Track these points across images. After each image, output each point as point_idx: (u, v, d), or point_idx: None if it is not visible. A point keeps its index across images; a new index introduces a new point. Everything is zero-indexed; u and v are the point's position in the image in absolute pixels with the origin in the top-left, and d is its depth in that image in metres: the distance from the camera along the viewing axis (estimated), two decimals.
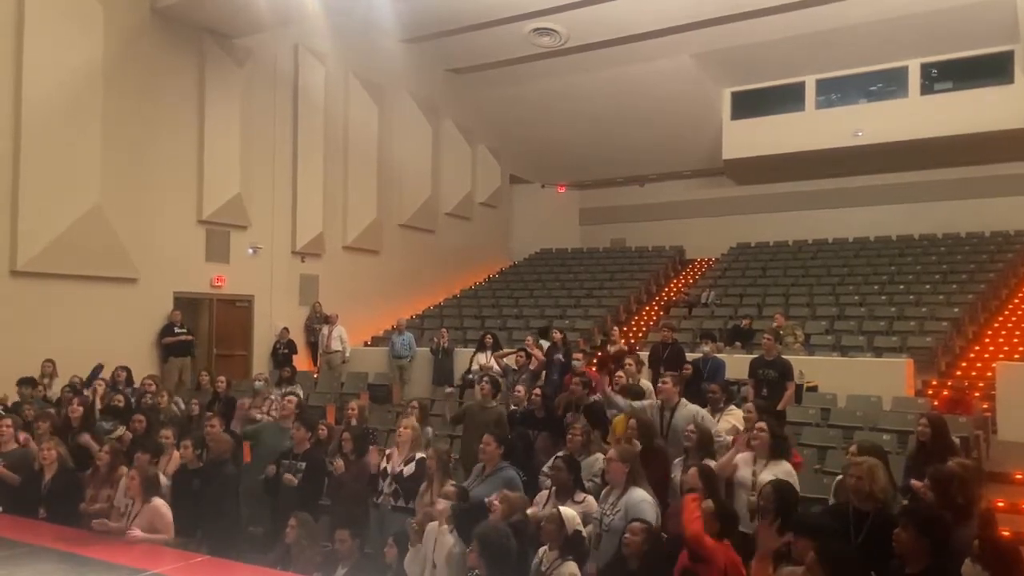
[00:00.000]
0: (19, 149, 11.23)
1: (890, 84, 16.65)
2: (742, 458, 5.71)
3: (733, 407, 7.57)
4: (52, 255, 11.47)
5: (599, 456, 5.96)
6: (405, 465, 6.29)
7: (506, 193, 21.54)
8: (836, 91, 17.27)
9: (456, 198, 19.52)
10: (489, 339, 11.73)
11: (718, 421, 7.27)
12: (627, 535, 4.52)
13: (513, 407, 8.11)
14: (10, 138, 11.20)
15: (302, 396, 10.95)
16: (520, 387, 8.37)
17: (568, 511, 4.71)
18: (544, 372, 10.41)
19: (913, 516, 3.94)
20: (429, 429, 7.69)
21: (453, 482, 5.67)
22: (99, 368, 9.78)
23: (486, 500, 4.69)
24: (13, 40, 11.21)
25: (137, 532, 5.54)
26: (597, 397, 7.69)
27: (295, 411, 7.41)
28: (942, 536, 3.88)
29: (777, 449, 5.58)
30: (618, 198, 21.50)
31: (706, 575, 4.21)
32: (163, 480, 6.43)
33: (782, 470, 5.36)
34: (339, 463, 6.67)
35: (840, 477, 5.60)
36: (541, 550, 4.56)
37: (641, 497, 5.02)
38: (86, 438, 7.18)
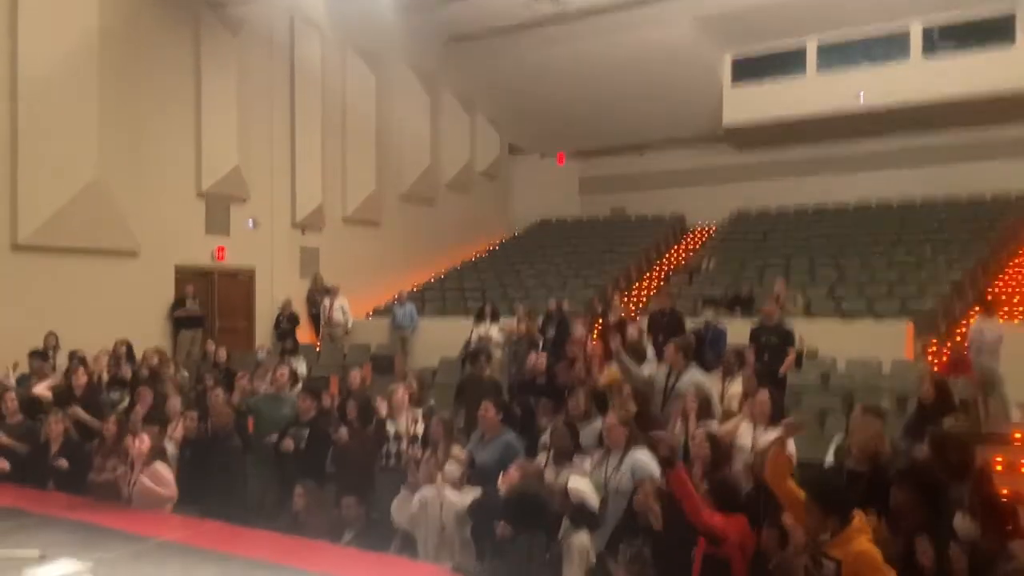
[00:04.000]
0: (17, 123, 11.21)
1: (892, 46, 16.48)
2: (743, 425, 5.79)
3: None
4: (52, 229, 11.48)
5: (599, 423, 6.00)
6: (415, 424, 6.39)
7: (505, 163, 21.43)
8: (837, 54, 17.09)
9: (455, 168, 19.43)
10: (489, 308, 11.79)
11: (730, 386, 7.34)
12: (638, 495, 4.58)
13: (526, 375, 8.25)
14: (7, 112, 11.16)
15: (305, 368, 11.07)
16: (537, 355, 8.44)
17: (573, 484, 4.76)
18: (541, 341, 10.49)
19: (908, 475, 3.99)
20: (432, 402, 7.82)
21: (461, 447, 5.73)
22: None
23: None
24: (8, 14, 11.12)
25: (144, 479, 5.63)
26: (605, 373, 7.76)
27: (289, 382, 7.61)
28: (937, 493, 3.93)
29: (777, 416, 5.66)
30: (618, 167, 21.37)
31: (726, 555, 4.02)
32: (171, 448, 6.53)
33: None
34: (343, 432, 6.73)
35: (839, 440, 5.68)
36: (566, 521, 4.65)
37: (645, 457, 5.09)
38: (75, 411, 7.23)
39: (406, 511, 5.17)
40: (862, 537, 3.49)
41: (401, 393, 6.64)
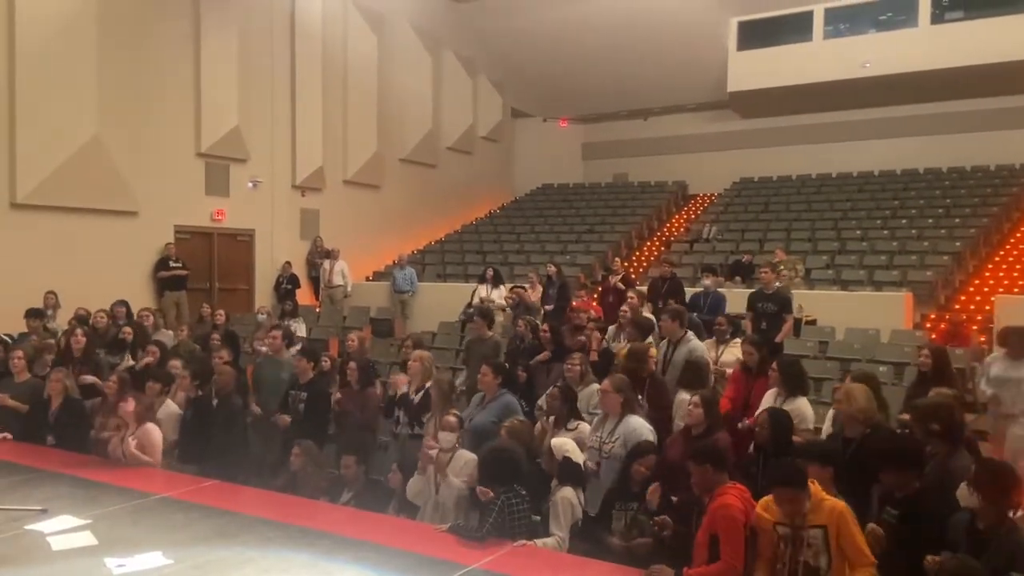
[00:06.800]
0: (15, 81, 11.11)
1: (900, 13, 16.27)
2: (767, 396, 5.80)
3: (738, 340, 7.66)
4: (51, 188, 11.44)
5: (595, 387, 6.04)
6: (416, 393, 6.34)
7: (508, 127, 21.27)
8: (845, 20, 16.88)
9: (457, 132, 19.29)
10: (490, 273, 11.80)
11: (722, 353, 7.35)
12: (640, 467, 4.62)
13: (517, 341, 8.25)
14: (6, 71, 11.06)
15: (304, 330, 11.09)
16: (521, 321, 8.54)
17: (556, 441, 4.81)
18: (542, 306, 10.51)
19: (886, 457, 4.00)
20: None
21: (455, 411, 5.76)
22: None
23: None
24: None
25: (131, 443, 5.68)
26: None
27: (284, 343, 7.50)
28: (919, 458, 4.00)
29: (790, 385, 5.65)
30: (621, 132, 21.20)
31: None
32: (176, 408, 6.56)
33: (795, 407, 5.45)
34: (337, 395, 6.76)
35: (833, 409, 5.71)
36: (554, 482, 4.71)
37: (638, 424, 5.13)
38: (85, 377, 7.24)
39: (416, 489, 5.25)
40: (827, 497, 3.61)
41: (415, 363, 6.43)
